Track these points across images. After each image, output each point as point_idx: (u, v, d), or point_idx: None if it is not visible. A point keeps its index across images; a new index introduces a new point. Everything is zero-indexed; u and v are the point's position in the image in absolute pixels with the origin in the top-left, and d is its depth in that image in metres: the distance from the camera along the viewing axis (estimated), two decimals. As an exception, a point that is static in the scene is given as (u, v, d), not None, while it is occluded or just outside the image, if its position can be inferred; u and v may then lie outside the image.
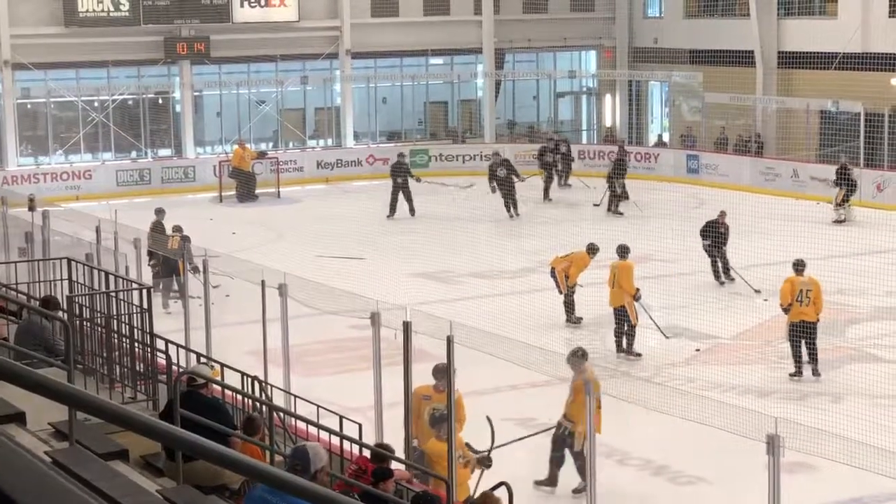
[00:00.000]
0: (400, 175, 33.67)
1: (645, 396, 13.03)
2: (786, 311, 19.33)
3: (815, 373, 18.95)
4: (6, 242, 19.96)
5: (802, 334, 19.02)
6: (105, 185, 37.00)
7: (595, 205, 34.13)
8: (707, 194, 35.53)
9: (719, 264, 24.64)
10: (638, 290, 20.42)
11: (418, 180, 33.95)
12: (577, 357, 14.13)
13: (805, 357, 19.03)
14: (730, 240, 24.64)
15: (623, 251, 20.80)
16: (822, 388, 18.53)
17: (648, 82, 44.34)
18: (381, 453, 11.50)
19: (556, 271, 22.13)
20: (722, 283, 24.47)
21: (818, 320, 19.12)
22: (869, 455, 10.11)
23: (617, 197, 33.57)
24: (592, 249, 22.11)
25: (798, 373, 18.94)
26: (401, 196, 33.45)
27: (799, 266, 19.52)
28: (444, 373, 13.30)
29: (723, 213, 24.79)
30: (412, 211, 33.32)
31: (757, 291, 23.26)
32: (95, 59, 38.10)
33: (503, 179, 33.08)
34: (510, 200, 33.01)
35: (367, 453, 11.70)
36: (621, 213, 32.98)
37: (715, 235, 24.37)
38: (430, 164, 41.08)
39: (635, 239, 22.20)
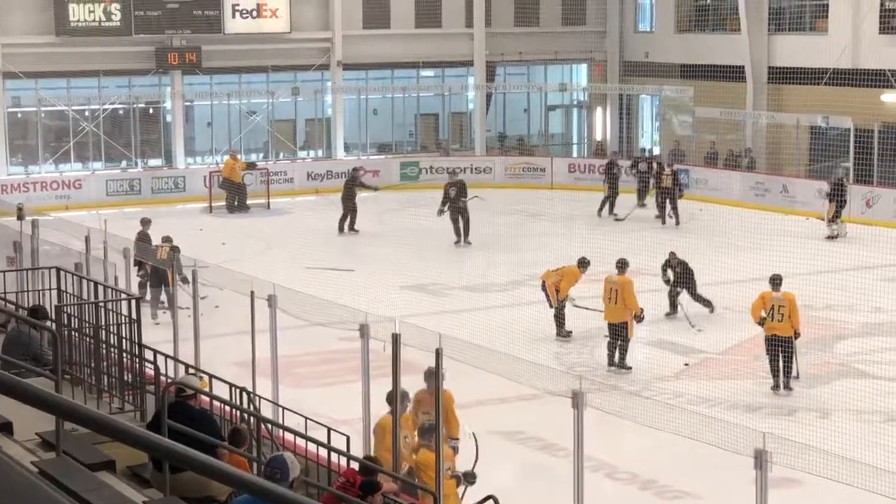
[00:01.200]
0: (348, 189, 33.09)
1: (633, 410, 13.03)
2: (761, 325, 19.41)
3: (786, 386, 18.99)
4: (-6, 251, 19.91)
5: (776, 349, 19.08)
6: (95, 195, 36.96)
7: (617, 219, 34.14)
8: (697, 208, 35.56)
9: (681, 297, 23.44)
10: (642, 310, 20.44)
11: (376, 189, 33.30)
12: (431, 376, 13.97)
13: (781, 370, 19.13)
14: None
15: (622, 266, 20.79)
16: (810, 403, 18.56)
17: (639, 96, 44.41)
18: (370, 466, 11.49)
19: (547, 285, 22.15)
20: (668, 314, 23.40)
21: (796, 335, 19.09)
22: (856, 471, 10.12)
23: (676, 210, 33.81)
24: (583, 263, 22.15)
25: (776, 386, 19.02)
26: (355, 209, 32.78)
27: (775, 281, 19.51)
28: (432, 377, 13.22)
29: (672, 254, 23.64)
30: (352, 227, 32.77)
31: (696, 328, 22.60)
32: (86, 69, 38.09)
33: (453, 200, 31.47)
34: (458, 225, 31.21)
35: (355, 465, 11.68)
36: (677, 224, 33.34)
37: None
38: (420, 176, 41.11)
39: (624, 253, 22.18)
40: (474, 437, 13.34)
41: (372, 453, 13.21)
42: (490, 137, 44.35)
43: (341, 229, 32.79)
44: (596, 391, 13.45)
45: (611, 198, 35.40)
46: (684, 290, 23.37)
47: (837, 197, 31.52)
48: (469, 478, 13.23)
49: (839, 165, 34.09)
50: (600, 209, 35.30)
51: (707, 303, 23.31)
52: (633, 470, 15.97)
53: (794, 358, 19.18)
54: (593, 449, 13.21)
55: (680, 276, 23.32)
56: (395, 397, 12.67)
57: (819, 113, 35.91)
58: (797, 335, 19.16)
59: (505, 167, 41.40)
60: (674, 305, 23.39)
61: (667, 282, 23.40)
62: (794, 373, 19.25)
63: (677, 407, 14.83)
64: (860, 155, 34.54)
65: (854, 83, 34.87)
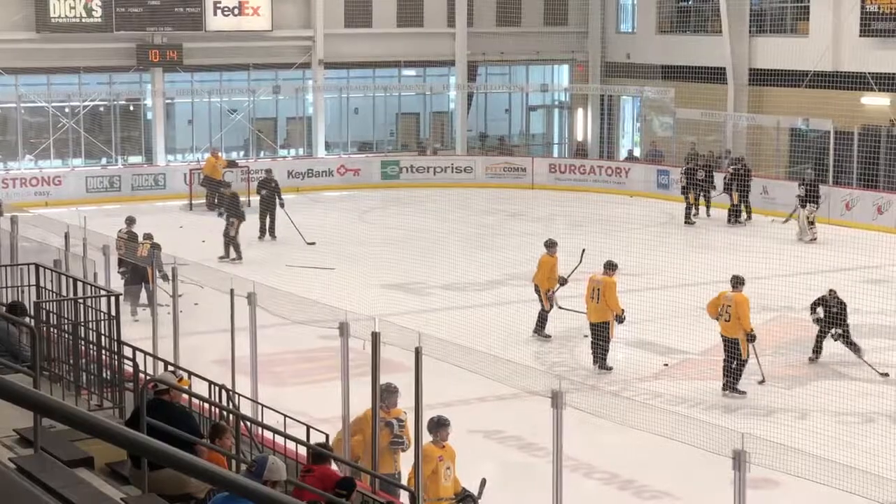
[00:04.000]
0: (267, 192, 32.13)
1: (612, 410, 13.05)
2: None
3: (726, 387, 18.98)
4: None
5: (725, 349, 19.11)
6: (75, 192, 36.85)
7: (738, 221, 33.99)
8: (677, 209, 35.62)
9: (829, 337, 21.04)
10: (623, 311, 20.46)
11: (282, 206, 31.57)
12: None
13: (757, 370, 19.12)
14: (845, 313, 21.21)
15: (610, 267, 20.77)
16: (789, 404, 18.61)
17: (620, 97, 44.47)
18: (322, 452, 11.49)
19: (541, 288, 22.15)
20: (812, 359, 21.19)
21: (751, 338, 19.00)
22: (833, 471, 10.15)
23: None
24: (548, 245, 22.31)
25: (723, 386, 19.08)
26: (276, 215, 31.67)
27: (732, 281, 19.47)
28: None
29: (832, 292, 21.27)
30: (272, 232, 31.67)
31: (884, 375, 20.48)
32: (67, 65, 37.97)
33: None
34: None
35: (335, 466, 11.68)
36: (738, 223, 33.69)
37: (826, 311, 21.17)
38: (400, 175, 41.11)
39: (604, 253, 22.20)
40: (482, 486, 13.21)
41: (348, 449, 13.21)
42: (471, 137, 44.36)
43: (263, 234, 31.84)
44: (575, 391, 13.49)
45: (710, 202, 34.88)
46: (832, 331, 20.97)
47: (814, 198, 31.56)
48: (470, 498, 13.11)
49: (809, 167, 33.83)
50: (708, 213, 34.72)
51: (856, 348, 20.83)
52: (612, 469, 16.00)
53: (743, 361, 19.02)
54: (572, 448, 13.22)
55: (836, 317, 20.92)
56: (374, 396, 12.66)
57: (799, 115, 36.01)
58: (752, 338, 19.06)
59: (486, 167, 41.43)
60: (819, 350, 20.96)
61: (816, 321, 21.00)
62: (760, 377, 19.23)
63: (656, 407, 14.90)
64: (840, 157, 34.64)
65: (834, 85, 34.99)
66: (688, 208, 34.46)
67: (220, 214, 30.10)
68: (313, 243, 30.23)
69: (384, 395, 13.25)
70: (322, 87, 41.57)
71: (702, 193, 34.97)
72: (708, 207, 34.90)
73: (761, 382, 19.28)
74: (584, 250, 22.46)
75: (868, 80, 34.73)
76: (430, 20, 42.91)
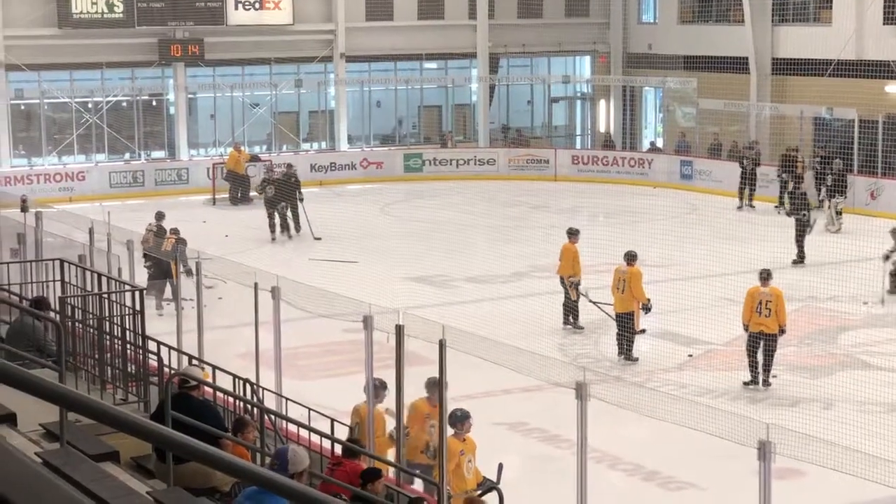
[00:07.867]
0: (289, 189, 31.90)
1: (637, 401, 13.03)
2: (746, 328, 19.12)
3: (765, 383, 18.80)
4: (-1, 243, 19.91)
5: (759, 345, 18.88)
6: (98, 187, 36.97)
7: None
8: (700, 200, 35.55)
9: None
10: (649, 300, 20.42)
11: (301, 200, 31.46)
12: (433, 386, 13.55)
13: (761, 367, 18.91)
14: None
15: (631, 257, 20.71)
16: (814, 394, 18.55)
17: (642, 88, 44.37)
18: (353, 448, 11.53)
19: (565, 279, 22.09)
20: None
21: (781, 332, 18.93)
22: (859, 461, 10.12)
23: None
24: (570, 233, 22.27)
25: (753, 381, 18.86)
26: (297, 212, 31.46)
27: (763, 276, 19.29)
28: (435, 386, 13.12)
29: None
30: (297, 228, 31.42)
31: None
32: (89, 61, 38.09)
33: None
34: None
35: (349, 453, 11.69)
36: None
37: None
38: (423, 168, 41.11)
39: (628, 244, 22.16)
40: (500, 470, 13.21)
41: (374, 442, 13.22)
42: (493, 129, 44.30)
43: (286, 228, 31.62)
44: (600, 382, 13.47)
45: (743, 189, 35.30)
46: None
47: (842, 189, 31.40)
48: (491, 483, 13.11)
49: (837, 158, 33.48)
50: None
51: None
52: (637, 461, 15.98)
53: (774, 355, 18.96)
54: (597, 440, 13.17)
55: None
56: (398, 388, 12.66)
57: (823, 104, 35.86)
58: (782, 331, 18.99)
59: (508, 159, 41.39)
60: None
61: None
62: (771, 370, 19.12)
63: (681, 398, 14.86)
64: (864, 146, 34.48)
65: (858, 74, 34.81)
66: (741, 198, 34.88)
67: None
68: (319, 238, 30.27)
69: (430, 388, 13.18)
70: (344, 80, 41.60)
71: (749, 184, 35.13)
72: (750, 198, 35.08)
73: (775, 377, 19.13)
74: None
75: (892, 68, 34.55)
76: (451, 12, 42.89)
